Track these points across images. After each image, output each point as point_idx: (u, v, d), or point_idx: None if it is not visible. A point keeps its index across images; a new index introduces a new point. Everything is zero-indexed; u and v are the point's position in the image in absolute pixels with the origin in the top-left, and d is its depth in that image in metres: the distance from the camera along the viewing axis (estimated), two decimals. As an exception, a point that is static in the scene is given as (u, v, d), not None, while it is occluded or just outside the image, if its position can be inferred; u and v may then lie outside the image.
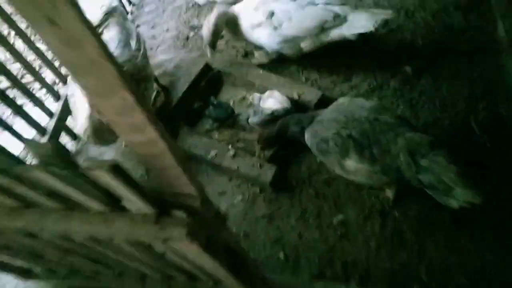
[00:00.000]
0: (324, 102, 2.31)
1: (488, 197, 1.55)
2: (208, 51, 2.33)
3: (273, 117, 2.12)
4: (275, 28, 2.19)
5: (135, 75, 1.93)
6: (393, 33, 2.59)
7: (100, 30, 1.95)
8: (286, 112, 2.12)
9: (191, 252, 0.94)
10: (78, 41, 0.47)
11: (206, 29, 2.24)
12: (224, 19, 2.27)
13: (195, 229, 0.84)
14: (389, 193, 1.94)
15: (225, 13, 2.27)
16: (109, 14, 1.98)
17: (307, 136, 1.89)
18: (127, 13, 3.21)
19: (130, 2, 3.26)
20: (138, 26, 3.14)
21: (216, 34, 2.26)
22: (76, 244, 1.13)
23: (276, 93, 2.22)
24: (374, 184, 1.84)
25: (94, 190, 0.82)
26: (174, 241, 0.85)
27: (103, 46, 0.48)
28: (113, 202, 0.87)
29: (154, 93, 2.32)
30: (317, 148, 1.83)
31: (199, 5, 3.11)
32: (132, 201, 0.81)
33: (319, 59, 2.47)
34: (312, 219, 2.00)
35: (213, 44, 2.30)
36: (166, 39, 3.01)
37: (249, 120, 2.25)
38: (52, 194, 0.86)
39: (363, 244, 1.88)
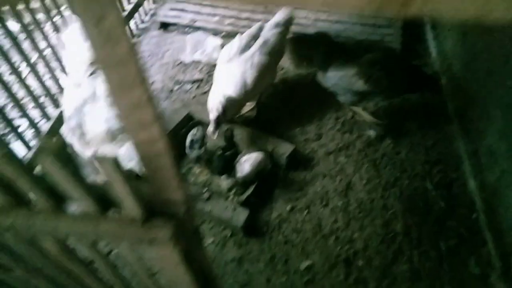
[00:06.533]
0: (296, 156, 2.48)
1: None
2: (212, 128, 2.30)
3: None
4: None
5: None
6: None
7: None
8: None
9: (171, 260, 0.98)
10: (116, 38, 0.60)
11: (215, 110, 2.29)
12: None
13: (178, 234, 0.91)
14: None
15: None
16: None
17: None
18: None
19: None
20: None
21: (226, 114, 2.33)
22: (45, 260, 1.14)
23: (254, 155, 2.33)
24: None
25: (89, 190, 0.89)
26: (158, 243, 0.91)
27: (132, 45, 0.62)
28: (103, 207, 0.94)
29: None
30: None
31: (184, 64, 3.37)
32: (125, 202, 0.88)
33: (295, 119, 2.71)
34: (281, 265, 2.04)
35: (218, 124, 2.30)
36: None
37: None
38: (46, 191, 0.91)
39: (328, 291, 1.93)
